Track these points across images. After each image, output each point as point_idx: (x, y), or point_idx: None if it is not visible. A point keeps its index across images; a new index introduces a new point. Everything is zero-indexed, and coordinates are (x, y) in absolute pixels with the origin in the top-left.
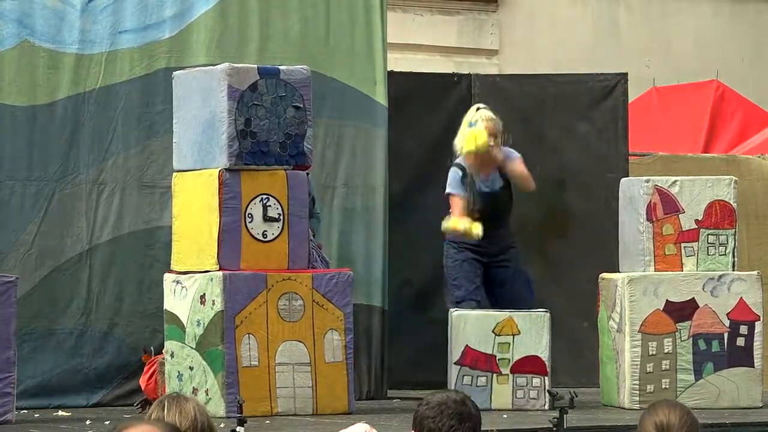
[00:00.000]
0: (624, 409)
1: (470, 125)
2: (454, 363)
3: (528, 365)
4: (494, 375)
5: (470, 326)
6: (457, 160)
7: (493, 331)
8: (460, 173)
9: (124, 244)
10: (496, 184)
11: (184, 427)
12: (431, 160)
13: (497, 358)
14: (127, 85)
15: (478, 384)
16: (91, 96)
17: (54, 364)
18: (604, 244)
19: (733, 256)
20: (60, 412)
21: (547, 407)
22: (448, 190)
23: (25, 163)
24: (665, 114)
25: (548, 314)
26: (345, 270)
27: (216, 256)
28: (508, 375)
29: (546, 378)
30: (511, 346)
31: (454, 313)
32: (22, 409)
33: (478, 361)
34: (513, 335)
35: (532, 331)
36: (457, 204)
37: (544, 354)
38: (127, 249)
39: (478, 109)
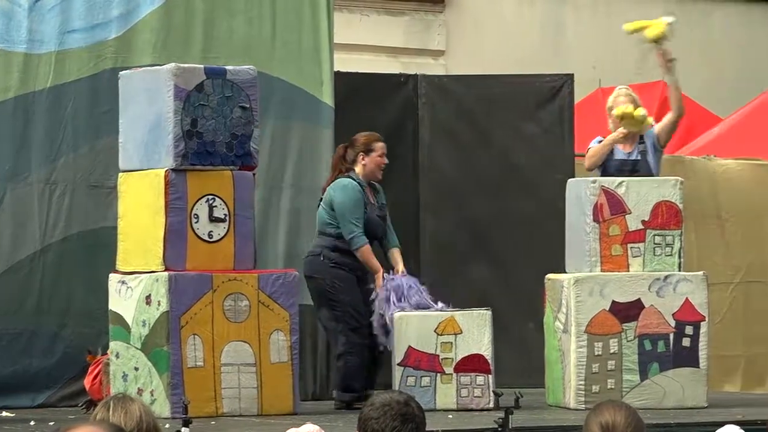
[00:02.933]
0: (569, 409)
1: (608, 110)
2: (398, 364)
3: (471, 364)
4: (438, 375)
5: (412, 327)
6: None
7: (435, 331)
8: (601, 138)
9: (74, 244)
10: (634, 155)
11: (129, 428)
12: None
13: (440, 357)
14: (76, 84)
15: (422, 384)
16: (41, 95)
17: (2, 365)
18: (550, 244)
19: (680, 257)
20: (4, 413)
21: (491, 405)
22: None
23: None
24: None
25: (489, 312)
26: (291, 270)
27: (161, 256)
28: (451, 374)
29: (490, 376)
30: (453, 346)
31: (396, 314)
32: None
33: (421, 362)
34: (455, 334)
35: (473, 330)
36: (592, 148)
37: (487, 352)
38: (76, 249)
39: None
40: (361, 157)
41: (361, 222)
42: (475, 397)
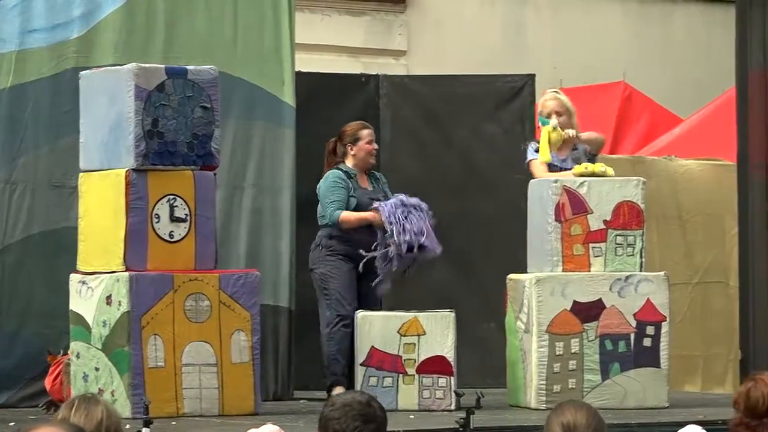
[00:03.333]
0: (531, 409)
1: (542, 122)
2: (360, 364)
3: (434, 365)
4: (400, 376)
5: (376, 327)
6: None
7: (398, 332)
8: (537, 145)
9: (35, 244)
10: (569, 164)
11: (89, 430)
12: None
13: (403, 358)
14: (37, 84)
15: (384, 385)
16: (2, 95)
17: None
18: (511, 244)
19: (641, 257)
20: None
21: (453, 407)
22: (528, 159)
23: None
24: (580, 116)
25: (453, 314)
26: (252, 270)
27: (122, 256)
28: (414, 375)
29: (452, 378)
30: (416, 347)
31: (360, 314)
32: None
33: (384, 362)
34: (418, 335)
35: (437, 332)
36: (537, 167)
37: (450, 354)
38: (37, 249)
39: (543, 94)
40: (350, 148)
41: (338, 203)
42: (436, 398)
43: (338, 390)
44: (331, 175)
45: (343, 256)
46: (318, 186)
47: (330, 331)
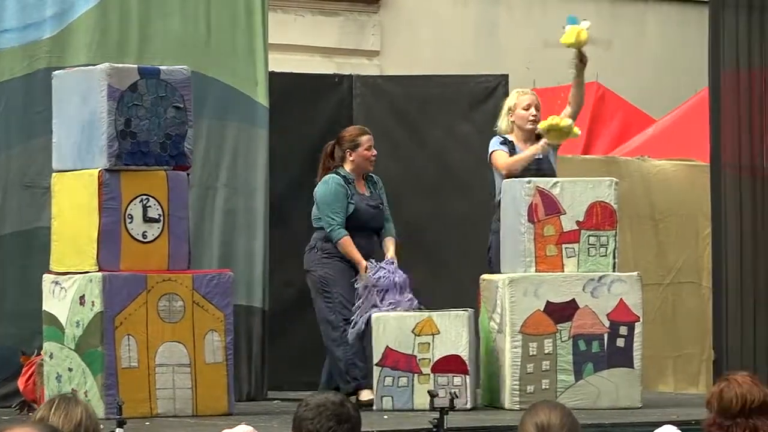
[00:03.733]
0: (504, 409)
1: (508, 110)
2: (376, 364)
3: (449, 364)
4: (415, 375)
5: (390, 328)
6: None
7: (412, 332)
8: (501, 138)
9: (7, 244)
10: (538, 155)
11: (67, 430)
12: (312, 161)
13: (417, 358)
14: (9, 84)
15: (399, 385)
16: None
17: None
18: (484, 244)
19: (614, 257)
20: None
21: (469, 406)
22: (490, 150)
23: None
24: (545, 115)
25: (467, 313)
26: (225, 271)
27: (95, 256)
28: (429, 375)
29: (467, 377)
30: (431, 346)
31: (374, 315)
32: None
33: (399, 362)
34: (433, 335)
35: (451, 331)
36: (501, 156)
37: (465, 353)
38: (9, 249)
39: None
40: (348, 153)
41: (340, 215)
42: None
43: (365, 394)
44: (331, 181)
45: (340, 258)
46: (315, 189)
47: (340, 336)
